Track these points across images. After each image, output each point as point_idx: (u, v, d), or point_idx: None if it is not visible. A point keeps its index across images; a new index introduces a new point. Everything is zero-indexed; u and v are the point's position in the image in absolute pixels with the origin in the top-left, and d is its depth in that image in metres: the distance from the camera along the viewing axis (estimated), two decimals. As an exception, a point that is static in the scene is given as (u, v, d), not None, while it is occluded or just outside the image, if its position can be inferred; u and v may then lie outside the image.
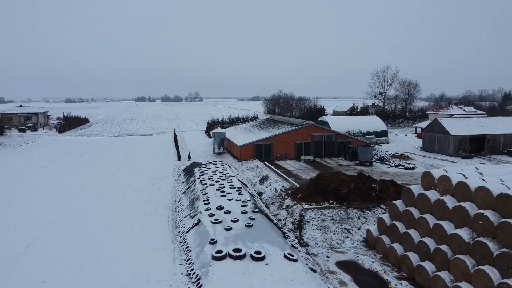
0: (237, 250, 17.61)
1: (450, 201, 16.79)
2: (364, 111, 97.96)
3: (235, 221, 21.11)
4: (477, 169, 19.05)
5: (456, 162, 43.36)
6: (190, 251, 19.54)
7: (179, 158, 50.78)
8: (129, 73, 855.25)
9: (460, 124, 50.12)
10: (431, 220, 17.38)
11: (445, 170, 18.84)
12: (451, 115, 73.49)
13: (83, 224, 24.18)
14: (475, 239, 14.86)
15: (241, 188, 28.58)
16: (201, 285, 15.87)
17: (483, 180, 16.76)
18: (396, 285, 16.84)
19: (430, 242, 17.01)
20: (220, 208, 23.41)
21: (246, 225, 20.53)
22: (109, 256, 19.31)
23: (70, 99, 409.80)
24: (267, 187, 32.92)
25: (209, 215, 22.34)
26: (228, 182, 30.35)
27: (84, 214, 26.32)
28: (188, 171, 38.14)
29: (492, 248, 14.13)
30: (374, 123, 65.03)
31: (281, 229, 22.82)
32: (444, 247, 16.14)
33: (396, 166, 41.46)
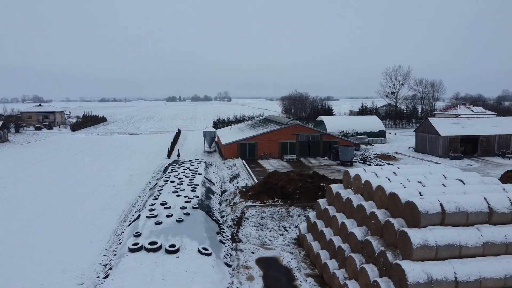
0: (153, 243, 18.30)
1: (356, 200, 16.84)
2: (373, 112, 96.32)
3: (169, 216, 21.83)
4: (398, 168, 18.95)
5: (440, 163, 42.19)
6: (120, 243, 20.43)
7: (168, 156, 52.09)
8: (164, 73, 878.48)
9: (452, 125, 48.76)
10: (340, 218, 17.47)
11: (364, 170, 18.84)
12: (457, 116, 71.32)
13: (40, 216, 25.60)
14: (365, 238, 14.92)
15: (197, 185, 29.26)
16: (108, 275, 16.70)
17: (388, 179, 16.73)
18: (301, 282, 17.05)
19: (336, 240, 17.11)
20: (163, 203, 24.20)
21: (177, 220, 21.19)
22: (44, 246, 20.50)
23: (105, 99, 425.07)
24: (233, 185, 33.46)
25: (149, 210, 23.18)
26: (190, 180, 31.12)
27: (47, 206, 27.80)
28: (165, 169, 39.23)
29: (375, 247, 14.16)
30: (372, 123, 64.07)
31: (220, 225, 23.35)
32: (344, 246, 16.23)
33: (376, 166, 40.92)
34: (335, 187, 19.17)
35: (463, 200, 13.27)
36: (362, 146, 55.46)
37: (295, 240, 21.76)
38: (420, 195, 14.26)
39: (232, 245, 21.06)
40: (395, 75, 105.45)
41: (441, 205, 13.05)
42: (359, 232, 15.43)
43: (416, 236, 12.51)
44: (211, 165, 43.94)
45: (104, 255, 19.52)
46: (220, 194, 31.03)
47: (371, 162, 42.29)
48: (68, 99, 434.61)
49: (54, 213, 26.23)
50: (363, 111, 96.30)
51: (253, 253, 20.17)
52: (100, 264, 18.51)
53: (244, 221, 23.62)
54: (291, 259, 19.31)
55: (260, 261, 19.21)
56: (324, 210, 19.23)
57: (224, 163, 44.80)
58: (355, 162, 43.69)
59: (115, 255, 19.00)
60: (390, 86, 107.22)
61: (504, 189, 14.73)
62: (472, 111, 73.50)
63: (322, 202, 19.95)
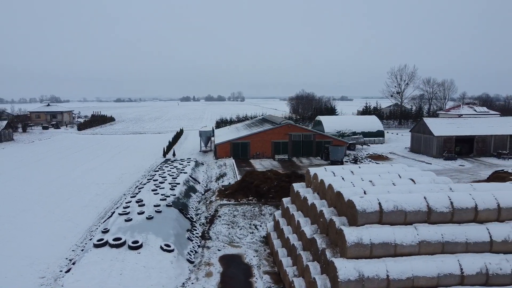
0: (117, 239, 18.80)
1: (311, 199, 17.02)
2: (376, 111, 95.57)
3: (140, 213, 22.32)
4: (359, 168, 19.05)
5: (431, 164, 41.92)
6: (90, 239, 21.00)
7: (164, 155, 52.80)
8: (179, 74, 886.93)
9: (447, 125, 48.21)
10: (297, 217, 17.65)
11: (325, 169, 19.00)
12: (459, 116, 70.33)
13: (22, 213, 26.41)
14: (312, 236, 15.10)
15: (178, 184, 29.70)
16: (70, 269, 17.27)
17: (342, 179, 16.87)
18: (256, 279, 17.32)
19: (292, 238, 17.30)
20: (139, 201, 24.72)
21: (147, 217, 21.66)
22: (18, 241, 21.21)
23: (120, 99, 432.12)
24: (218, 184, 33.85)
25: (123, 207, 23.73)
26: (173, 178, 31.61)
27: (32, 203, 28.64)
28: (156, 168, 39.85)
29: (319, 244, 14.31)
30: (370, 123, 63.71)
31: (193, 222, 23.76)
32: (297, 243, 16.43)
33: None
34: (297, 186, 19.37)
35: (402, 199, 13.35)
36: (358, 146, 55.24)
37: (263, 238, 22.00)
38: (365, 193, 14.39)
39: (200, 242, 21.44)
40: (400, 75, 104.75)
41: (379, 204, 13.16)
42: (308, 230, 15.62)
43: (351, 234, 12.66)
44: (202, 164, 44.44)
45: (73, 251, 20.11)
46: (203, 193, 31.45)
47: (362, 162, 42.17)
48: (85, 99, 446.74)
49: (37, 210, 27.02)
50: (366, 111, 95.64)
51: (219, 250, 20.50)
52: (67, 259, 19.09)
53: (217, 219, 23.97)
54: (254, 256, 19.58)
55: (224, 258, 19.53)
56: (286, 208, 19.45)
57: (216, 162, 45.23)
58: (347, 162, 43.60)
59: (82, 250, 19.58)
60: (395, 86, 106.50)
61: (451, 189, 14.74)
62: (475, 111, 72.38)
63: (285, 200, 20.17)
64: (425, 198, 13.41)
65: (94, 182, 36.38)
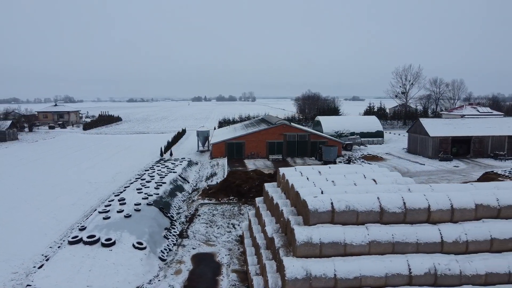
0: (91, 236, 19.24)
1: (276, 198, 17.17)
2: (381, 112, 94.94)
3: (119, 211, 22.72)
4: (330, 168, 19.15)
5: (424, 164, 41.59)
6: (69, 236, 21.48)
7: (161, 155, 53.34)
8: (192, 74, 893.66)
9: (443, 125, 47.73)
10: (265, 216, 17.82)
11: (295, 169, 19.13)
12: (462, 116, 69.49)
13: (10, 210, 27.08)
14: (272, 235, 15.26)
15: (164, 183, 30.03)
16: (43, 265, 17.76)
17: (307, 179, 16.99)
18: (223, 277, 17.55)
19: (258, 237, 17.48)
20: (121, 199, 25.16)
21: (125, 216, 22.06)
22: (1, 238, 21.80)
23: (133, 99, 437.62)
24: (207, 183, 34.16)
25: (105, 206, 24.19)
26: (160, 178, 32.02)
27: (21, 201, 29.32)
28: (147, 167, 40.35)
29: (277, 243, 14.49)
30: (370, 123, 63.37)
31: (174, 221, 24.10)
32: (261, 242, 16.61)
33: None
34: (268, 186, 19.53)
35: (355, 200, 13.43)
36: (355, 147, 55.04)
37: (239, 237, 22.21)
38: (322, 193, 14.51)
39: (177, 240, 21.74)
40: (405, 75, 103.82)
41: (331, 203, 13.27)
42: (270, 229, 15.78)
43: (301, 233, 12.80)
44: (196, 163, 44.83)
45: (50, 247, 20.60)
46: (190, 192, 31.79)
47: (355, 163, 42.03)
48: (99, 99, 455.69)
49: (25, 208, 27.67)
50: (370, 111, 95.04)
51: (193, 248, 20.78)
52: (42, 255, 19.58)
53: (196, 218, 24.28)
54: (226, 255, 19.81)
55: (196, 257, 19.80)
56: (257, 207, 19.63)
57: (210, 162, 45.59)
58: (340, 162, 43.52)
59: (59, 247, 20.06)
60: (400, 86, 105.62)
61: (409, 189, 14.76)
62: (478, 111, 71.37)
63: (258, 200, 20.34)
64: (378, 198, 13.47)
65: (87, 181, 37.02)
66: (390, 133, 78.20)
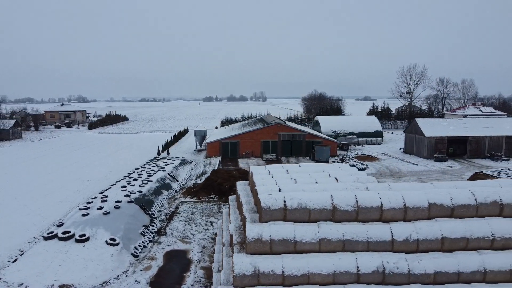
0: (66, 232, 19.65)
1: (243, 196, 17.33)
2: (385, 112, 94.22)
3: (99, 208, 23.12)
4: (300, 166, 19.23)
5: (417, 164, 41.26)
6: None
7: (158, 154, 53.86)
8: (204, 74, 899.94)
9: (439, 125, 47.24)
10: (233, 214, 18.01)
11: (265, 167, 19.26)
12: (464, 116, 68.64)
13: (-1, 207, 27.76)
14: (232, 232, 15.43)
15: (150, 181, 30.40)
16: (16, 259, 18.23)
17: (272, 177, 17.12)
18: (190, 273, 17.77)
19: (225, 234, 17.68)
20: (103, 197, 25.57)
21: (103, 213, 22.44)
22: (-17, 233, 22.40)
23: (145, 99, 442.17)
24: (195, 182, 34.46)
25: (87, 203, 24.64)
26: (148, 176, 32.42)
27: (10, 198, 29.98)
28: (139, 166, 40.82)
29: (235, 240, 14.67)
30: (369, 123, 63.03)
31: (154, 219, 24.43)
32: (225, 240, 16.80)
33: (350, 166, 40.53)
34: (239, 184, 19.70)
35: (309, 198, 13.53)
36: (352, 146, 54.82)
37: (215, 235, 22.41)
38: (280, 191, 14.64)
39: (154, 237, 22.05)
40: (410, 75, 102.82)
41: (284, 201, 13.39)
42: (232, 226, 15.94)
43: (253, 230, 12.97)
44: (190, 162, 45.19)
45: (29, 243, 21.06)
46: (177, 190, 32.10)
47: (348, 162, 41.90)
48: (112, 99, 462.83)
49: (12, 204, 28.30)
50: (373, 111, 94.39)
51: (168, 245, 21.05)
52: (19, 250, 20.06)
53: (176, 215, 24.57)
54: (198, 252, 20.04)
55: (169, 254, 20.06)
56: (229, 206, 19.82)
57: (204, 161, 45.92)
58: (334, 162, 43.43)
59: (36, 242, 20.52)
60: (405, 86, 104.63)
61: (367, 188, 14.78)
62: (481, 111, 70.40)
63: (231, 198, 20.53)
64: (331, 196, 13.54)
65: (80, 178, 37.64)
66: (392, 133, 77.64)
